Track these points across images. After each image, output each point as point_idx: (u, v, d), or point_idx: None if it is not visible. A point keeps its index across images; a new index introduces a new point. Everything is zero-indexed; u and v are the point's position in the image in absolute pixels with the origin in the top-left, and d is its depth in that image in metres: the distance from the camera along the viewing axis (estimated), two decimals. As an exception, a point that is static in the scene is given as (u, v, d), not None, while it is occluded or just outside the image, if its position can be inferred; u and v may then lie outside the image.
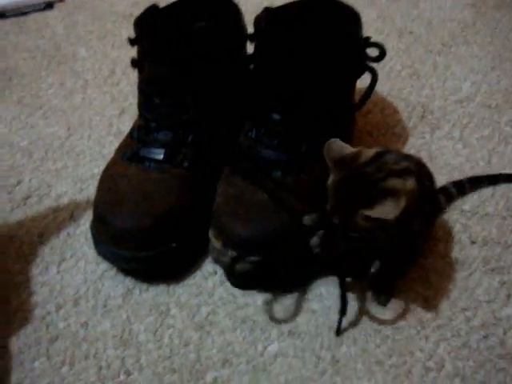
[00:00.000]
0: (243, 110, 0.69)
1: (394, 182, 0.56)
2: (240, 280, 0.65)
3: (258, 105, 0.67)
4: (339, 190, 0.58)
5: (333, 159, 0.58)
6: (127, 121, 0.83)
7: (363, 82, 0.70)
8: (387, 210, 0.54)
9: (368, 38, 0.66)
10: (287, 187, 0.64)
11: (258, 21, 0.66)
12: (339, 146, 0.59)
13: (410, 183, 0.57)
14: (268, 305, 0.64)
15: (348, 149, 0.59)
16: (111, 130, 0.83)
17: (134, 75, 0.75)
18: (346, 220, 0.57)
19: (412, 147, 0.80)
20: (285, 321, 0.63)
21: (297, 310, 0.64)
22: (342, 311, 0.61)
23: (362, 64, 0.66)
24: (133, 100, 0.85)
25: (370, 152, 0.59)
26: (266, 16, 0.64)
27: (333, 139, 0.59)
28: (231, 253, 0.61)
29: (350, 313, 0.62)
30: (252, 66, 0.70)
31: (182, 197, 0.65)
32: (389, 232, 0.57)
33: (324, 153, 0.58)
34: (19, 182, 0.77)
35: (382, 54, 0.64)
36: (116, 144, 0.73)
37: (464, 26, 0.99)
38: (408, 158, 0.62)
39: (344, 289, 0.61)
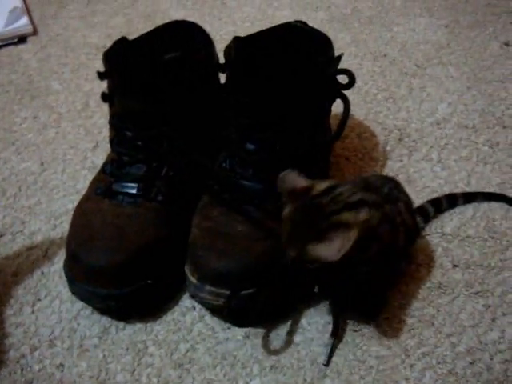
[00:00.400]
0: (217, 141, 0.68)
1: (347, 216, 0.54)
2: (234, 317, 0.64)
3: (232, 135, 0.66)
4: (292, 221, 0.56)
5: (286, 190, 0.57)
6: (101, 154, 0.82)
7: (339, 108, 0.70)
8: (333, 248, 0.52)
9: (339, 58, 0.65)
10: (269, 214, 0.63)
11: (227, 51, 0.65)
12: (293, 177, 0.58)
13: (363, 214, 0.55)
14: (249, 339, 0.63)
15: (302, 181, 0.58)
16: (85, 163, 0.82)
17: (107, 108, 0.74)
18: (299, 253, 0.55)
19: (390, 171, 0.79)
20: (266, 355, 0.62)
21: (278, 343, 0.63)
22: (334, 333, 0.60)
23: (333, 91, 0.65)
24: (107, 133, 0.83)
25: (323, 185, 0.58)
26: (235, 45, 0.64)
27: (287, 170, 0.58)
28: (224, 292, 0.60)
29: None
30: (224, 96, 0.69)
31: (157, 231, 0.64)
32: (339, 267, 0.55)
33: (277, 184, 0.57)
34: (-8, 221, 0.75)
35: (352, 81, 0.63)
36: (90, 178, 0.72)
37: (438, 47, 0.99)
38: (373, 179, 0.62)
39: (337, 310, 0.61)
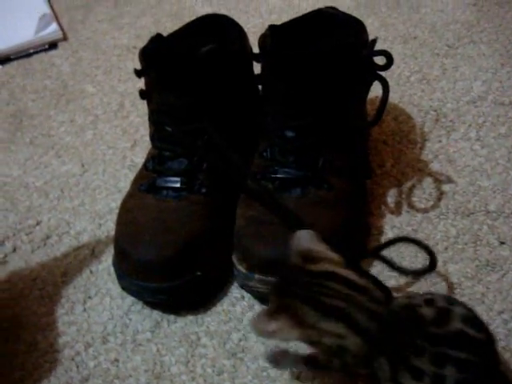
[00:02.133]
0: (256, 131, 0.68)
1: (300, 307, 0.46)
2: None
3: (271, 124, 0.66)
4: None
5: (299, 251, 0.50)
6: (140, 152, 0.83)
7: (374, 92, 0.70)
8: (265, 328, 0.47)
9: (374, 42, 0.65)
10: (301, 209, 0.63)
11: (262, 39, 0.65)
12: (311, 239, 0.51)
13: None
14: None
15: (322, 247, 0.50)
16: (125, 162, 0.83)
17: (143, 107, 0.75)
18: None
19: (429, 152, 0.79)
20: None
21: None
22: None
23: (370, 73, 0.65)
24: (144, 132, 0.85)
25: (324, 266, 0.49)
26: (271, 33, 0.64)
27: (305, 231, 0.52)
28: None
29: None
30: (260, 86, 0.70)
31: (203, 223, 0.64)
32: None
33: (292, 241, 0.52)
34: (38, 223, 0.77)
35: (390, 62, 0.63)
36: (131, 176, 0.73)
37: (468, 26, 0.98)
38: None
39: None
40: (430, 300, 0.50)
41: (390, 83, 0.86)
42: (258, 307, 0.65)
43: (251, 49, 0.71)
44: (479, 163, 0.77)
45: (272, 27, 0.64)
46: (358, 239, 0.66)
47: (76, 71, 0.99)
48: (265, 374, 0.60)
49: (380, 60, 0.65)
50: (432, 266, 0.59)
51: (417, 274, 0.61)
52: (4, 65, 1.03)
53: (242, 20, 0.74)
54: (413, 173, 0.76)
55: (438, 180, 0.75)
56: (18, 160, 0.85)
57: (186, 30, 0.70)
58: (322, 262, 0.48)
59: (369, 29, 0.70)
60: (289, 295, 0.47)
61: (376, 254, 0.62)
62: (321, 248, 0.50)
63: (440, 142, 0.80)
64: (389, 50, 0.65)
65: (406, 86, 0.89)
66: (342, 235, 0.63)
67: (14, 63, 1.03)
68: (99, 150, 0.85)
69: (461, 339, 0.48)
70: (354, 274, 0.49)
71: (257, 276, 0.60)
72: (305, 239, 0.51)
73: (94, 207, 0.78)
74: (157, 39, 0.67)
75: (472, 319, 0.50)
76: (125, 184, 0.77)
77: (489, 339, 0.50)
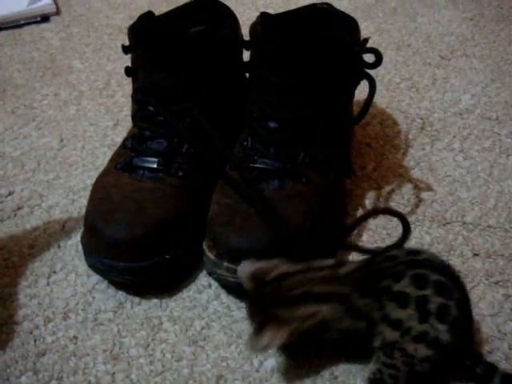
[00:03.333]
0: (239, 119, 0.68)
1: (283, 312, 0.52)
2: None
3: (255, 113, 0.65)
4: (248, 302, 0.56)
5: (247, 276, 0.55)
6: (121, 132, 0.82)
7: (362, 94, 0.69)
8: (260, 343, 0.52)
9: (366, 41, 0.64)
10: (277, 201, 0.62)
11: (254, 27, 0.65)
12: (253, 264, 0.56)
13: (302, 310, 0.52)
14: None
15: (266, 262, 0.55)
16: (105, 141, 0.82)
17: (129, 87, 0.74)
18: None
19: (412, 159, 0.78)
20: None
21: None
22: None
23: (359, 70, 0.64)
24: (127, 112, 0.84)
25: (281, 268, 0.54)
26: (262, 21, 0.63)
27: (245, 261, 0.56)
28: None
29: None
30: (248, 74, 0.69)
31: (177, 206, 0.63)
32: None
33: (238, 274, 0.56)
34: (10, 193, 0.75)
35: (379, 60, 0.62)
36: (110, 155, 0.71)
37: (463, 40, 0.98)
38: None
39: None
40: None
41: (380, 88, 0.86)
42: (224, 297, 0.64)
43: (242, 36, 0.70)
44: (460, 174, 0.77)
45: (263, 15, 0.63)
46: (330, 236, 0.65)
47: (65, 46, 0.98)
48: (224, 364, 0.59)
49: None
50: (406, 232, 0.61)
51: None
52: (-7, 33, 1.02)
53: (238, 11, 0.73)
54: (393, 178, 0.76)
55: (418, 187, 0.75)
56: (-3, 129, 0.84)
57: (178, 12, 0.69)
58: (272, 271, 0.54)
59: (363, 33, 0.70)
60: (263, 308, 0.52)
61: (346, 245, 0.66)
62: (263, 264, 0.55)
63: (423, 149, 0.80)
64: (381, 55, 0.64)
65: (395, 92, 0.88)
66: (315, 230, 0.62)
67: (4, 33, 1.02)
68: (80, 126, 0.84)
69: (435, 265, 0.53)
70: (297, 265, 0.55)
71: (225, 264, 0.59)
72: (248, 266, 0.55)
73: (68, 182, 0.76)
74: (147, 17, 0.66)
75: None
76: (103, 162, 0.76)
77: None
